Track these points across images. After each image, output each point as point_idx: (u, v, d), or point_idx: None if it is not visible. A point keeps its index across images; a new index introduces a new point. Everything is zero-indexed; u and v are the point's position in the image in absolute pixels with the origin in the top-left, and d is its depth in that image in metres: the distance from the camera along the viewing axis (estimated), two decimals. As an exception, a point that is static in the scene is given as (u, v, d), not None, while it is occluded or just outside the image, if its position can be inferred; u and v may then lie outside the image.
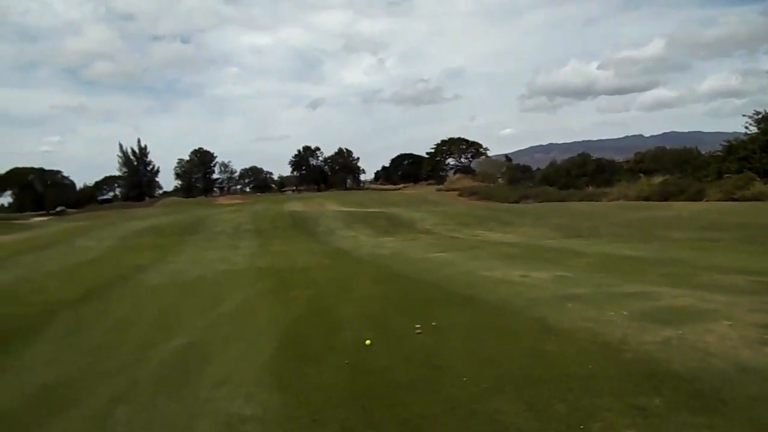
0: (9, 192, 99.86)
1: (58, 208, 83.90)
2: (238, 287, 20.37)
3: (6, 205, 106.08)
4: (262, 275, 23.24)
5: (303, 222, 49.86)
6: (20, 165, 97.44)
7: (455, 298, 16.27)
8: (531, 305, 14.59)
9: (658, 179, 69.92)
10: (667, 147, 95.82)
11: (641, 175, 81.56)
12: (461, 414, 8.27)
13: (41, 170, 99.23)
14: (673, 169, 77.55)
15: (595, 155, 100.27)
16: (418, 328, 12.90)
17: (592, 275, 18.96)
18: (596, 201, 65.86)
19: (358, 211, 57.85)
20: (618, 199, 63.39)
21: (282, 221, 51.15)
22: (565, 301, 14.86)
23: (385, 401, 8.94)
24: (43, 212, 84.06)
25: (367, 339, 12.07)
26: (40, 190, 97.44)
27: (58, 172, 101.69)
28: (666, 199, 56.38)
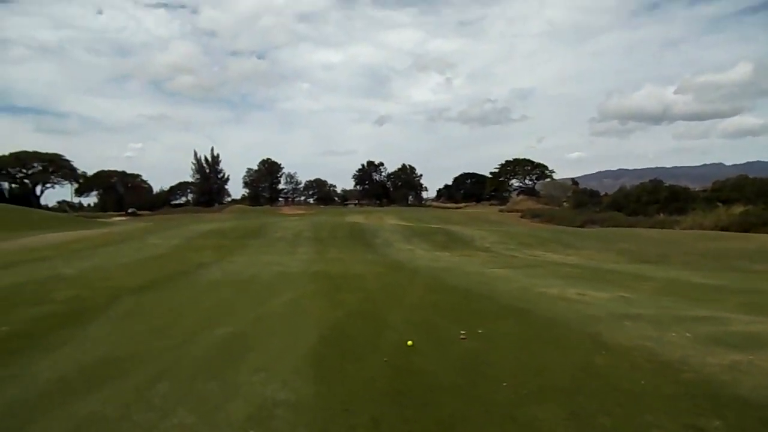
0: (95, 192, 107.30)
1: (129, 210, 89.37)
2: (289, 287, 20.72)
3: (91, 204, 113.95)
4: (315, 279, 23.54)
5: (361, 233, 50.29)
6: (106, 168, 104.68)
7: (505, 310, 15.80)
8: (585, 321, 13.91)
9: (738, 209, 65.19)
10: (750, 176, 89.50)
11: (719, 204, 76.47)
12: (497, 417, 7.94)
13: (123, 173, 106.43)
14: (756, 199, 72.18)
15: (668, 183, 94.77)
16: (462, 335, 12.60)
17: (657, 298, 17.90)
18: (668, 229, 62.36)
19: (416, 226, 57.78)
20: (692, 228, 59.76)
21: (341, 231, 51.83)
22: (624, 320, 14.07)
23: (420, 399, 8.74)
24: (122, 212, 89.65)
25: (410, 341, 11.87)
26: (121, 192, 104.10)
27: (138, 175, 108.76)
28: (746, 231, 52.50)
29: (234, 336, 12.99)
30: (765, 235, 48.28)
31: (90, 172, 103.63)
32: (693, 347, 11.20)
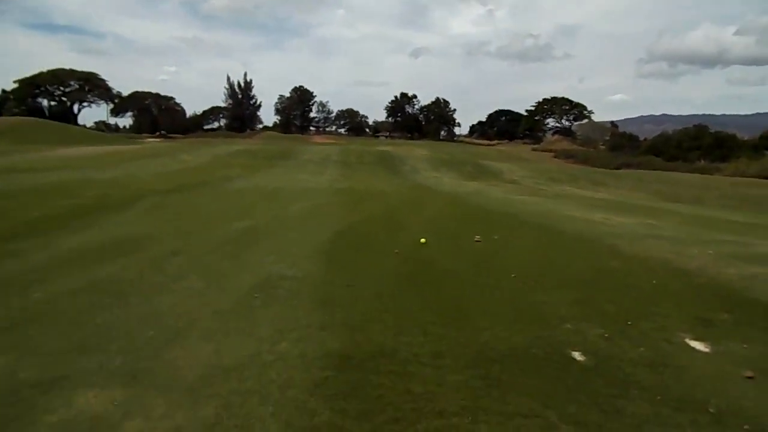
0: (129, 114, 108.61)
1: (160, 132, 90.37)
2: (312, 198, 20.87)
3: (127, 126, 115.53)
4: (338, 193, 23.64)
5: (389, 160, 50.00)
6: (141, 90, 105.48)
7: (524, 224, 15.64)
8: (605, 236, 13.65)
9: (787, 157, 61.73)
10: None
11: (766, 152, 72.59)
12: (502, 300, 7.95)
13: (157, 95, 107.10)
14: (810, 147, 67.92)
15: (714, 130, 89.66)
16: (477, 239, 12.52)
17: (685, 227, 17.38)
18: (707, 175, 60.00)
19: (445, 157, 57.00)
20: (733, 176, 57.34)
21: (368, 158, 51.62)
22: (645, 238, 13.73)
23: (424, 281, 8.80)
24: (157, 134, 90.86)
25: (423, 238, 11.86)
26: (155, 114, 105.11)
27: (172, 98, 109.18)
28: (793, 181, 49.95)
29: (251, 228, 13.22)
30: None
31: (125, 93, 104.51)
32: (713, 261, 10.88)
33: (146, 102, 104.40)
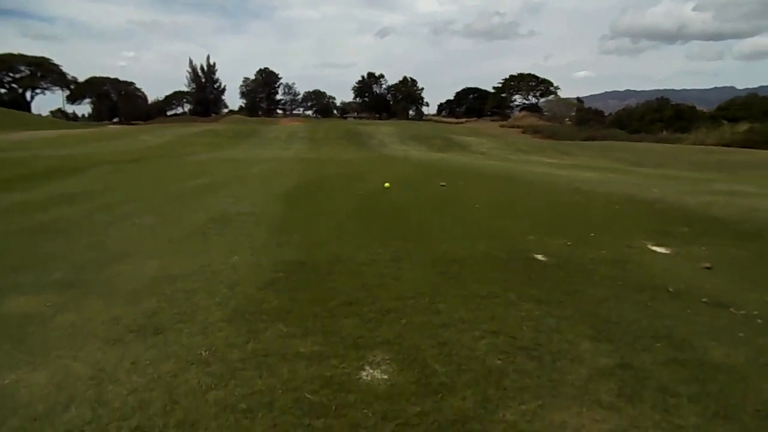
0: (88, 100, 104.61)
1: (114, 119, 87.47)
2: (276, 163, 20.41)
3: (86, 115, 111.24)
4: (303, 161, 23.21)
5: (357, 135, 49.49)
6: (98, 75, 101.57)
7: (489, 176, 15.63)
8: (569, 182, 13.69)
9: (743, 127, 63.48)
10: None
11: (725, 122, 74.54)
12: (466, 222, 7.82)
13: (116, 80, 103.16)
14: (763, 118, 70.03)
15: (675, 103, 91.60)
16: (443, 185, 12.39)
17: (646, 179, 17.60)
18: (670, 144, 61.37)
19: (414, 133, 56.78)
20: (694, 144, 58.72)
21: (336, 133, 51.01)
22: (608, 183, 13.84)
23: (387, 213, 8.60)
24: (115, 120, 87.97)
25: (387, 183, 11.66)
26: (115, 100, 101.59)
27: (132, 83, 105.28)
28: (750, 148, 51.40)
29: (208, 184, 12.79)
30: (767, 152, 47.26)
31: (81, 79, 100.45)
32: (673, 194, 11.00)
33: (104, 88, 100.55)
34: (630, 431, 2.57)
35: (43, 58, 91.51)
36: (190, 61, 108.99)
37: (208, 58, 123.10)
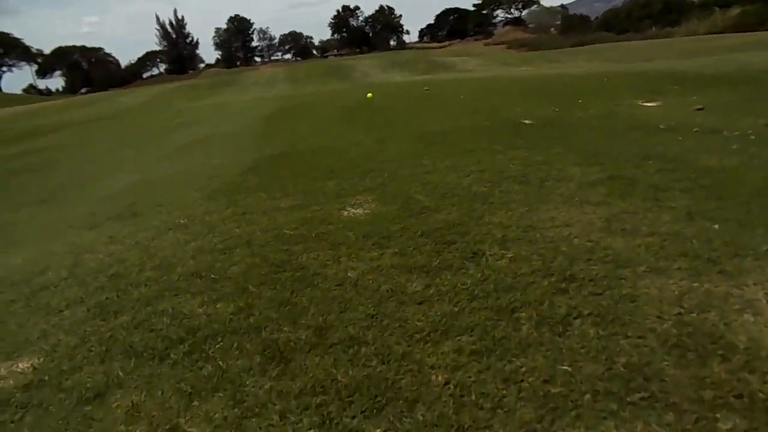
0: (59, 72, 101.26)
1: (83, 90, 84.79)
2: (256, 102, 19.87)
3: (59, 89, 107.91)
4: (284, 97, 22.58)
5: (338, 69, 48.04)
6: (64, 45, 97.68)
7: (476, 79, 15.18)
8: (557, 76, 13.29)
9: (735, 11, 61.10)
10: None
11: (716, 8, 71.84)
12: (450, 106, 7.58)
13: (83, 48, 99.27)
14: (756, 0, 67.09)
15: None
16: (426, 88, 12.05)
17: (635, 66, 17.13)
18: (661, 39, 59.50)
19: (396, 60, 55.18)
20: (686, 36, 56.87)
21: (317, 71, 49.53)
22: (595, 69, 13.45)
23: (370, 112, 8.35)
24: (85, 90, 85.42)
25: (369, 93, 11.31)
26: (86, 69, 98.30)
27: (100, 49, 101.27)
28: (743, 32, 49.58)
29: (188, 122, 12.39)
30: (763, 33, 45.70)
31: (47, 51, 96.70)
32: (664, 64, 10.67)
33: (73, 57, 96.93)
34: (621, 216, 2.47)
35: (2, 33, 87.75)
36: (158, 18, 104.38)
37: (175, 12, 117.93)
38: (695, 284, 1.78)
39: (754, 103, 5.50)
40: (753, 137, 3.99)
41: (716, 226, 2.25)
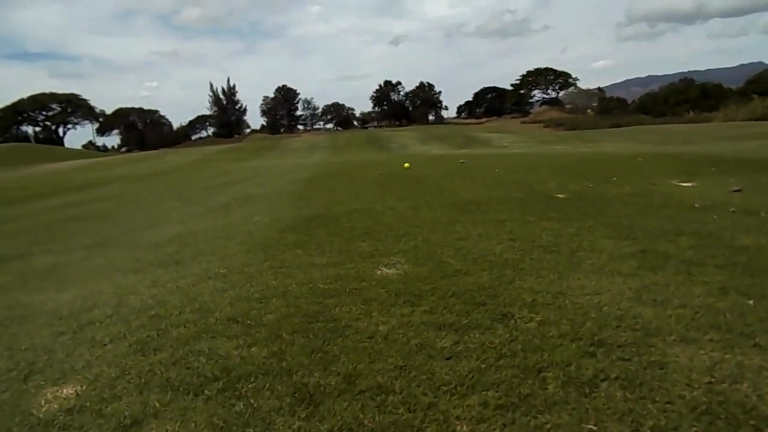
0: (116, 131, 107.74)
1: (123, 149, 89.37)
2: (300, 166, 20.63)
3: (115, 146, 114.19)
4: (326, 163, 23.38)
5: (377, 140, 49.61)
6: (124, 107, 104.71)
7: (512, 155, 15.46)
8: (591, 152, 13.44)
9: (775, 99, 61.02)
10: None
11: (755, 96, 71.95)
12: (484, 179, 7.75)
13: (141, 110, 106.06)
14: (796, 88, 67.17)
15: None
16: (463, 161, 12.35)
17: (674, 147, 17.19)
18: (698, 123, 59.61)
19: (434, 134, 56.70)
20: (724, 122, 56.85)
21: (357, 140, 51.24)
22: (632, 150, 13.54)
23: (407, 182, 8.58)
24: (125, 149, 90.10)
25: (407, 164, 11.67)
26: (141, 128, 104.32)
27: (156, 111, 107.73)
28: (783, 120, 49.31)
29: (232, 181, 12.98)
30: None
31: (108, 112, 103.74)
32: (700, 148, 10.71)
33: (131, 118, 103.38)
34: (653, 288, 2.48)
35: (72, 94, 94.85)
36: (211, 86, 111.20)
37: (228, 80, 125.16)
38: (727, 356, 1.77)
39: (794, 187, 5.45)
40: (791, 220, 3.95)
41: (751, 302, 2.24)
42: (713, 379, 1.62)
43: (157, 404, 1.73)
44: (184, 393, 1.79)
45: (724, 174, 6.82)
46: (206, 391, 1.78)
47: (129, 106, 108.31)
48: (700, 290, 2.42)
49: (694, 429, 1.38)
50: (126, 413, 1.69)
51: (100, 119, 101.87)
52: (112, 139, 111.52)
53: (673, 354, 1.80)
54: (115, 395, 1.82)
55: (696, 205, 4.64)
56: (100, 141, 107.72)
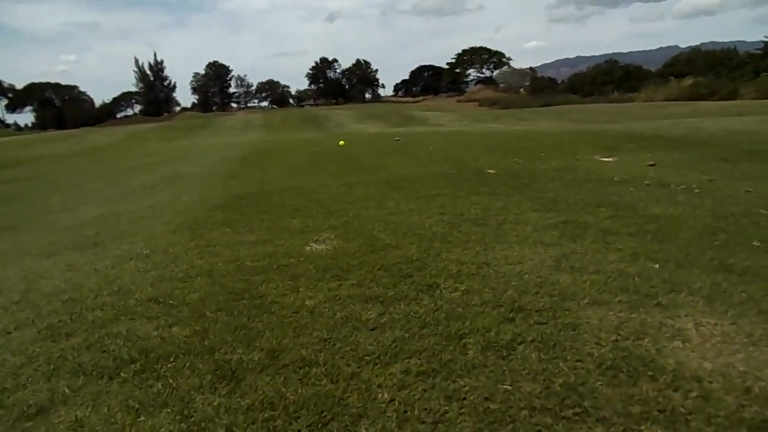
0: (29, 108, 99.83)
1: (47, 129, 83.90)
2: (230, 145, 20.01)
3: (29, 124, 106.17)
4: (259, 142, 22.79)
5: (313, 119, 48.85)
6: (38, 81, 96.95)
7: (446, 133, 15.66)
8: (522, 130, 13.85)
9: (688, 81, 65.19)
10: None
11: (671, 78, 76.44)
12: (418, 156, 7.81)
13: (57, 85, 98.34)
14: (708, 71, 72.04)
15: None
16: (397, 138, 12.36)
17: (598, 125, 17.98)
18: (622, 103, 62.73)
19: (371, 112, 56.52)
20: (645, 102, 60.19)
21: (292, 119, 50.23)
22: (559, 128, 14.05)
23: (341, 159, 8.52)
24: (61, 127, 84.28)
25: (342, 141, 11.56)
26: (58, 106, 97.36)
27: (75, 87, 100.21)
28: (696, 101, 52.83)
29: (160, 160, 12.42)
30: (713, 102, 48.62)
31: (19, 87, 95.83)
32: (623, 125, 11.27)
33: (46, 94, 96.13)
34: (571, 256, 2.60)
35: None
36: (136, 61, 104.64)
37: (155, 55, 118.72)
38: (633, 315, 1.89)
39: (701, 162, 5.86)
40: (697, 190, 4.24)
41: (657, 266, 2.40)
42: (619, 337, 1.73)
43: (66, 390, 1.63)
44: (97, 377, 1.70)
45: (642, 150, 7.22)
46: (122, 374, 1.71)
47: (44, 80, 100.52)
48: (614, 257, 2.57)
49: (599, 383, 1.47)
50: (30, 402, 1.59)
51: (9, 95, 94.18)
52: (25, 117, 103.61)
53: (585, 316, 1.90)
54: (18, 384, 1.70)
55: (615, 179, 4.89)
56: (10, 119, 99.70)
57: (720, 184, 4.50)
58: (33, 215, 5.27)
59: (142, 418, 1.46)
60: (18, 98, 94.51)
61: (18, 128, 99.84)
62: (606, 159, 6.58)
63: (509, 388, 1.47)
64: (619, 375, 1.50)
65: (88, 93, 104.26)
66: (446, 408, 1.40)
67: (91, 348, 1.92)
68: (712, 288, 2.12)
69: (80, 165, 13.38)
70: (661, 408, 1.35)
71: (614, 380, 1.48)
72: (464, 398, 1.44)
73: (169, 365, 1.74)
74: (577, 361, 1.59)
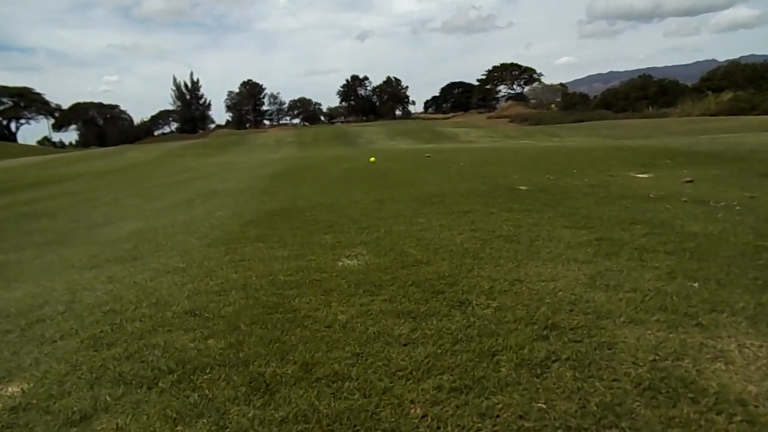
0: (74, 127, 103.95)
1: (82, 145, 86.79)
2: (263, 161, 20.38)
3: (73, 142, 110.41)
4: (291, 158, 23.16)
5: (344, 136, 49.45)
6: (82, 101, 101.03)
7: (477, 149, 15.63)
8: (554, 146, 13.71)
9: (727, 96, 63.52)
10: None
11: (709, 92, 74.71)
12: (449, 174, 7.82)
13: (100, 104, 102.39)
14: (747, 85, 70.06)
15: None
16: (428, 155, 12.42)
17: (633, 141, 17.69)
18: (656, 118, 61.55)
19: (401, 129, 56.85)
20: (680, 117, 58.93)
21: (324, 136, 50.95)
22: (592, 144, 13.86)
23: (371, 176, 8.58)
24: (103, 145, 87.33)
25: (372, 158, 11.66)
26: (100, 124, 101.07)
27: (116, 106, 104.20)
28: (735, 116, 51.47)
29: (196, 177, 12.75)
30: (754, 117, 47.28)
31: (65, 107, 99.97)
32: (659, 141, 11.05)
33: (89, 113, 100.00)
34: (606, 274, 2.56)
35: (24, 88, 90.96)
36: (174, 80, 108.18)
37: (191, 75, 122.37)
38: (671, 335, 1.84)
39: (741, 178, 5.70)
40: (738, 207, 4.12)
41: (696, 285, 2.34)
42: (657, 357, 1.68)
43: (108, 398, 1.69)
44: (137, 386, 1.75)
45: (678, 166, 7.06)
46: (160, 384, 1.75)
47: (87, 99, 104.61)
48: (651, 275, 2.51)
49: (637, 403, 1.43)
50: (75, 408, 1.64)
51: (56, 114, 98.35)
52: (70, 135, 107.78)
53: (621, 335, 1.86)
54: (63, 391, 1.77)
55: (651, 196, 4.79)
56: (56, 137, 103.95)
57: (762, 201, 4.37)
58: (76, 229, 5.47)
59: (179, 427, 1.50)
60: (64, 117, 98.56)
61: (62, 146, 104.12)
62: (641, 175, 6.46)
63: (543, 406, 1.45)
64: (658, 396, 1.46)
65: (128, 111, 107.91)
66: (479, 425, 1.39)
67: (131, 358, 1.98)
68: (757, 309, 2.05)
69: (119, 181, 13.84)
70: None
71: (653, 401, 1.44)
72: (497, 416, 1.42)
73: (205, 376, 1.77)
74: (614, 380, 1.56)
